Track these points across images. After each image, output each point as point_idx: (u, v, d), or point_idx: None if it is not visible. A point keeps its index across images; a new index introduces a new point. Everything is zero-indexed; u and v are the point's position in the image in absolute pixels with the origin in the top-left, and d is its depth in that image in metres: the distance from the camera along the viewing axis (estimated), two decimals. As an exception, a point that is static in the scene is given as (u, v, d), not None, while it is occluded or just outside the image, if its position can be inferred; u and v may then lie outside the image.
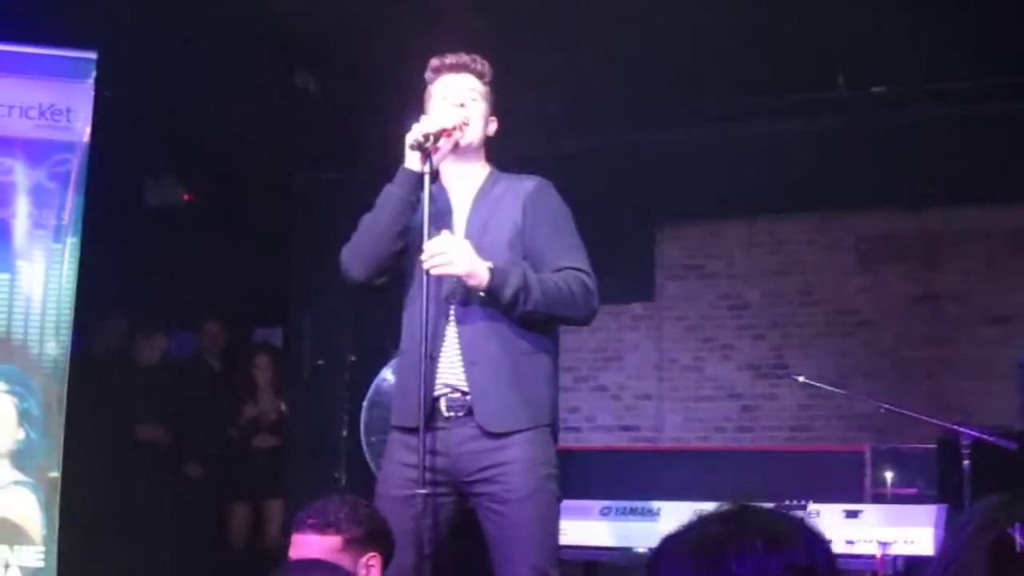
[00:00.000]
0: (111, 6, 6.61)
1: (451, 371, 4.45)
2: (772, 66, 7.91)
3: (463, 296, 4.44)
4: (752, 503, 2.13)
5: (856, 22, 7.21)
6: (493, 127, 4.70)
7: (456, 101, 4.58)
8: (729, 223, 10.61)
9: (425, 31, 6.09)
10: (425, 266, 4.31)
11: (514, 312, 4.39)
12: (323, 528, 4.00)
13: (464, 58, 4.67)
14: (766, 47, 7.61)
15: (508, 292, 4.34)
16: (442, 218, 4.56)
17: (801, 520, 2.09)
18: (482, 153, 4.70)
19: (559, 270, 4.48)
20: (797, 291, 10.42)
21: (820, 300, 10.35)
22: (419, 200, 4.41)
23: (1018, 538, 2.15)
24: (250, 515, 9.52)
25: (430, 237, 4.38)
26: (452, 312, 4.47)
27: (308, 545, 3.98)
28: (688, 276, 10.74)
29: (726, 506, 2.12)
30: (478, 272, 4.32)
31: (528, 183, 4.64)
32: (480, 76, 4.66)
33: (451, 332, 4.48)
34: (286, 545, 4.15)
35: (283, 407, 9.54)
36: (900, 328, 10.05)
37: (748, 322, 10.55)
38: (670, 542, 2.11)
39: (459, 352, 4.45)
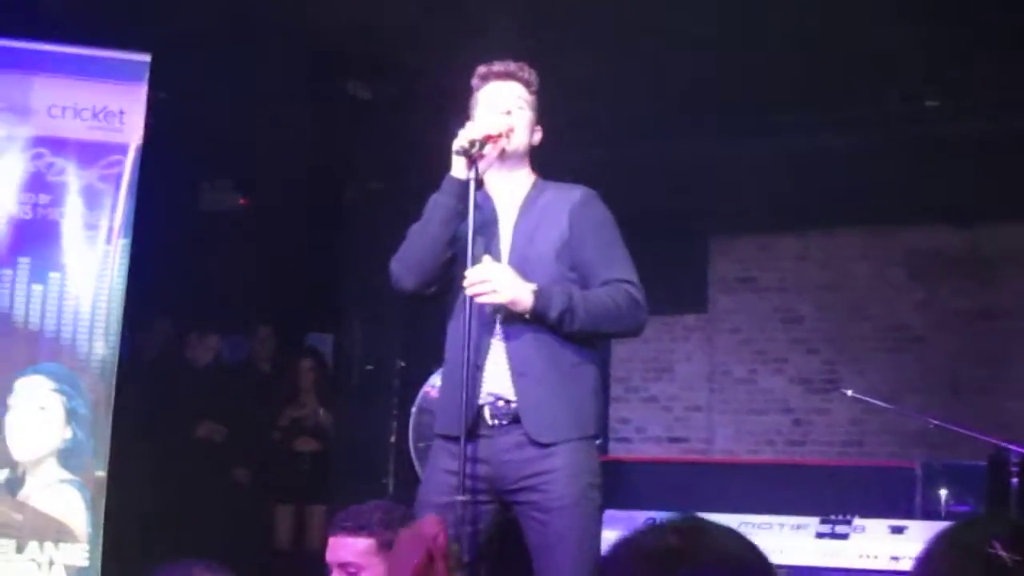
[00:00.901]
0: (166, 9, 6.66)
1: (497, 381, 4.43)
2: (826, 79, 7.87)
3: (510, 310, 4.44)
4: (705, 517, 2.15)
5: (909, 34, 7.16)
6: (538, 136, 4.67)
7: (503, 108, 4.56)
8: (781, 236, 10.58)
9: (473, 41, 6.08)
10: (468, 293, 4.31)
11: (560, 331, 4.38)
12: (356, 530, 4.00)
13: (512, 66, 4.65)
14: (820, 60, 7.58)
15: (553, 314, 4.33)
16: (488, 227, 4.55)
17: (751, 542, 2.11)
18: (527, 162, 4.68)
19: (606, 283, 4.46)
20: (849, 305, 10.37)
21: (872, 315, 10.30)
22: (466, 208, 4.40)
23: (1003, 553, 2.16)
24: (293, 518, 9.56)
25: (475, 246, 4.39)
26: (498, 323, 4.46)
27: (342, 547, 3.99)
28: (741, 289, 10.72)
29: (680, 517, 2.13)
30: (522, 298, 4.31)
31: (575, 192, 4.62)
32: (527, 84, 4.64)
33: (497, 342, 4.47)
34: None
35: (322, 412, 9.55)
36: (952, 344, 9.98)
37: (801, 336, 10.51)
38: (623, 548, 2.11)
39: (506, 363, 4.44)
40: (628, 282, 4.48)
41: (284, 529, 9.57)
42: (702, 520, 2.13)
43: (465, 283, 4.31)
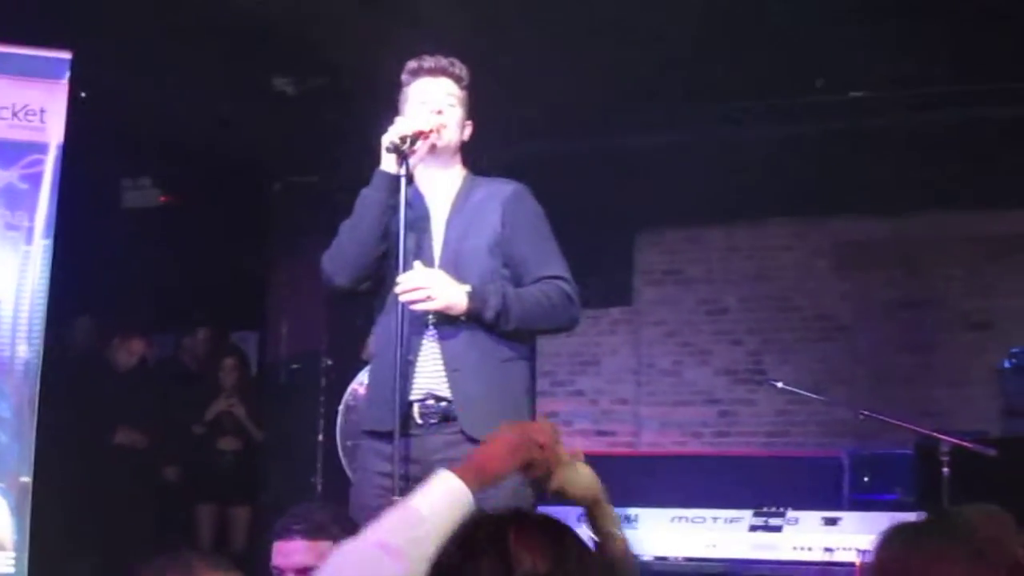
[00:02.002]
0: (87, 6, 6.56)
1: (430, 378, 4.41)
2: (750, 71, 7.89)
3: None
4: None
5: (835, 25, 7.18)
6: (469, 131, 4.66)
7: (433, 107, 4.53)
8: (707, 228, 10.59)
9: (404, 33, 6.07)
10: (401, 299, 4.29)
11: (496, 330, 4.38)
12: (313, 534, 3.94)
13: (443, 62, 4.61)
14: (743, 52, 7.60)
15: (489, 315, 4.33)
16: (420, 223, 4.52)
17: None
18: (458, 157, 4.66)
19: (540, 279, 4.47)
20: (775, 296, 10.39)
21: (798, 306, 10.33)
22: (397, 203, 4.36)
23: None
24: (216, 518, 9.49)
25: (407, 242, 4.35)
26: (431, 319, 4.43)
27: (296, 552, 3.92)
28: (666, 281, 10.72)
29: None
30: (456, 302, 4.31)
31: (507, 188, 4.61)
32: (458, 80, 4.61)
33: (430, 339, 4.44)
34: (254, 551, 4.11)
35: (244, 410, 9.48)
36: (878, 334, 10.03)
37: (726, 327, 10.52)
38: None
39: (440, 359, 4.41)
40: (561, 278, 4.49)
41: (206, 529, 9.50)
42: None
43: (397, 289, 4.29)
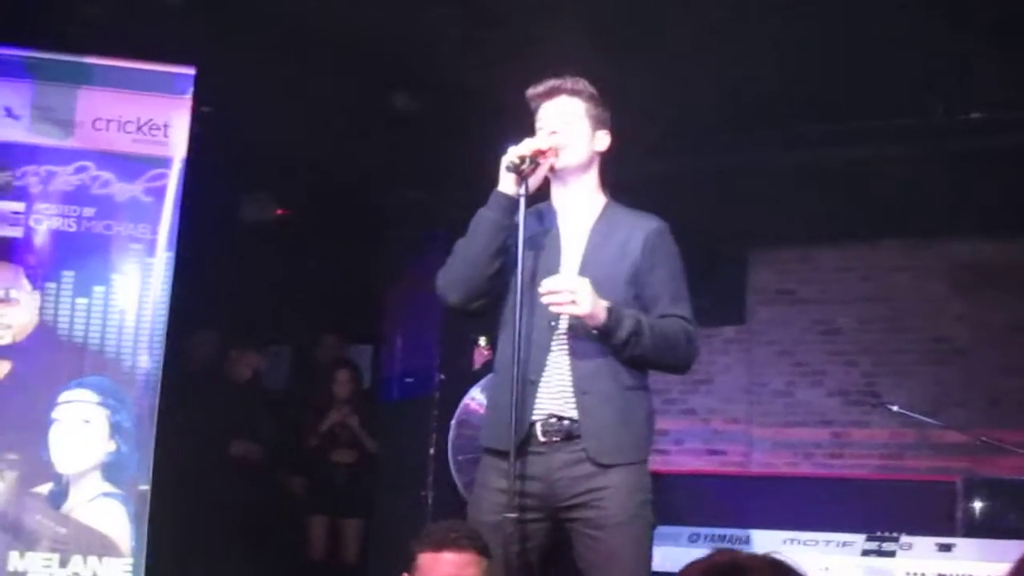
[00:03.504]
0: (210, 22, 6.66)
1: (555, 398, 4.43)
2: (866, 90, 7.83)
3: (573, 326, 4.43)
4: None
5: (950, 46, 7.12)
6: (604, 142, 4.66)
7: (549, 129, 4.57)
8: (821, 248, 10.53)
9: (521, 53, 6.09)
10: (544, 301, 4.32)
11: (621, 353, 4.40)
12: (481, 549, 4.05)
13: (553, 82, 4.64)
14: (860, 71, 7.55)
15: (622, 334, 4.36)
16: (549, 242, 4.57)
17: None
18: (593, 175, 4.67)
19: (666, 316, 4.50)
20: (888, 317, 10.31)
21: (912, 327, 10.23)
22: (513, 224, 4.39)
23: None
24: (328, 529, 9.57)
25: (536, 259, 4.42)
26: (563, 340, 4.46)
27: (471, 564, 4.01)
28: (780, 301, 10.67)
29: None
30: (597, 313, 4.33)
31: (652, 223, 4.63)
32: (575, 94, 4.63)
33: (559, 359, 4.46)
34: (366, 564, 4.17)
35: (357, 422, 9.55)
36: (994, 357, 9.91)
37: (840, 348, 10.46)
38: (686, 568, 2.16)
39: (569, 381, 4.43)
40: (688, 320, 4.54)
41: (318, 540, 9.58)
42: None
43: (541, 290, 4.32)
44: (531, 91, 4.66)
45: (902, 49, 7.18)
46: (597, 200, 4.67)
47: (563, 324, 4.45)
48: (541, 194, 4.65)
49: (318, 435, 9.57)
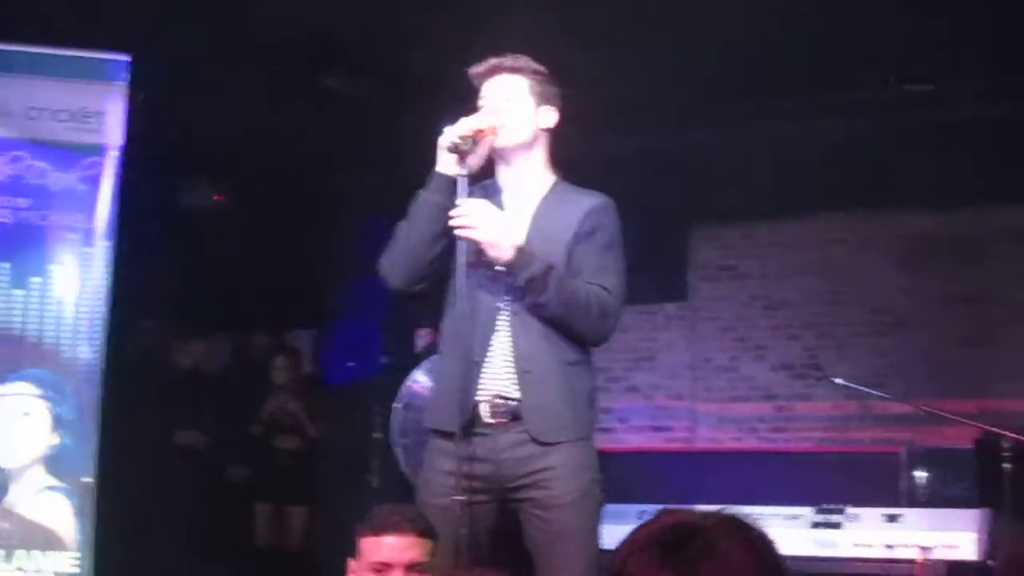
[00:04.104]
0: (144, 8, 6.59)
1: (499, 378, 4.39)
2: (804, 65, 7.85)
3: (516, 304, 4.39)
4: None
5: (896, 18, 7.14)
6: (549, 119, 4.59)
7: (490, 107, 4.53)
8: (761, 224, 10.55)
9: (463, 32, 6.05)
10: (451, 223, 4.28)
11: (526, 299, 4.34)
12: (423, 532, 4.02)
13: (493, 60, 4.58)
14: (800, 46, 7.56)
15: (525, 274, 4.29)
16: None
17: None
18: (539, 154, 4.62)
19: (589, 284, 4.43)
20: (829, 291, 10.35)
21: (853, 300, 10.28)
22: (453, 204, 4.35)
23: None
24: (272, 517, 9.54)
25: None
26: (507, 320, 4.41)
27: (412, 547, 3.97)
28: (721, 276, 10.69)
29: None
30: (503, 245, 4.29)
31: (596, 199, 4.55)
32: (517, 71, 4.57)
33: (502, 340, 4.42)
34: (311, 549, 4.15)
35: (299, 408, 9.53)
36: (936, 328, 9.96)
37: (782, 322, 10.49)
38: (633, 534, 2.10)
39: (511, 360, 4.40)
40: (608, 290, 4.43)
41: (263, 528, 9.55)
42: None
43: (452, 212, 4.28)
44: (472, 70, 4.60)
45: (847, 22, 7.19)
46: (546, 179, 4.61)
47: (508, 305, 4.40)
48: (486, 173, 4.61)
49: (260, 422, 9.53)
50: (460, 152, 4.34)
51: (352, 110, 7.99)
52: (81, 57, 6.22)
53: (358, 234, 8.56)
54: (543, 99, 4.58)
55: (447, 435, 4.36)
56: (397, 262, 4.51)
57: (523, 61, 4.59)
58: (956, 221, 9.85)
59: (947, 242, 9.94)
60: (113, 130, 6.20)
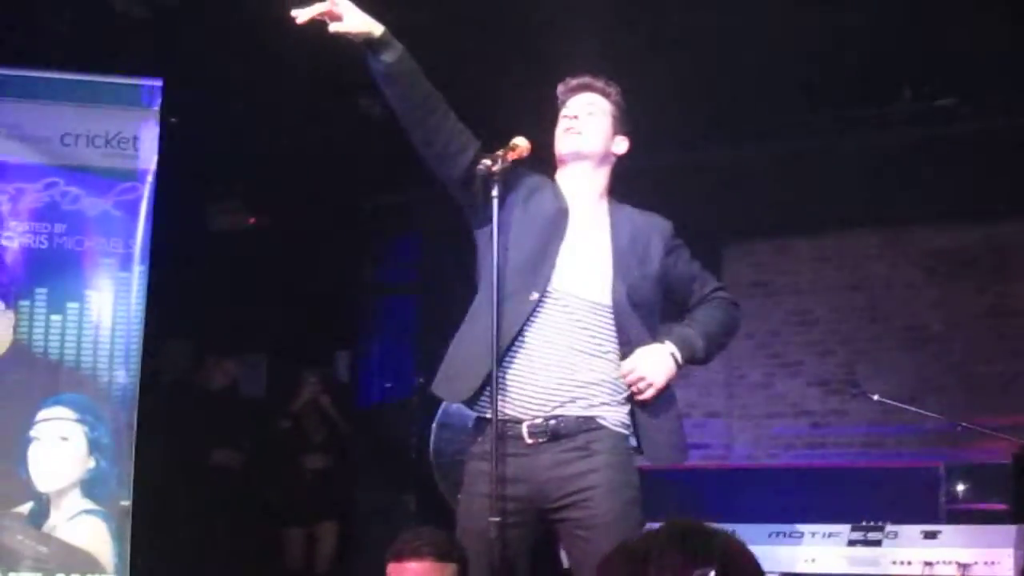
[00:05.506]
0: (176, 34, 6.62)
1: (550, 398, 4.37)
2: (836, 81, 7.85)
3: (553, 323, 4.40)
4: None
5: (920, 34, 7.14)
6: (622, 146, 4.65)
7: (570, 114, 4.58)
8: (794, 240, 10.53)
9: (498, 58, 6.07)
10: (630, 390, 4.41)
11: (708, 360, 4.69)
12: (443, 556, 4.05)
13: (585, 79, 4.67)
14: (830, 62, 7.56)
15: (700, 355, 4.55)
16: (558, 220, 4.51)
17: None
18: (604, 176, 4.65)
19: (704, 296, 4.68)
20: (865, 306, 10.31)
21: (888, 315, 10.24)
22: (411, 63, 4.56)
23: None
24: (304, 541, 9.49)
25: (526, 222, 4.44)
26: (537, 314, 4.40)
27: (429, 572, 4.02)
28: (756, 293, 10.66)
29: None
30: (671, 371, 4.43)
31: (665, 223, 4.68)
32: (604, 94, 4.65)
33: (534, 336, 4.40)
34: (345, 569, 4.16)
35: (329, 403, 9.49)
36: (970, 342, 9.91)
37: (817, 338, 10.45)
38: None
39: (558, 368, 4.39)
40: (723, 289, 4.76)
41: (295, 551, 9.50)
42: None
43: (627, 380, 4.39)
44: (562, 87, 4.68)
45: (873, 38, 7.18)
46: (604, 200, 4.65)
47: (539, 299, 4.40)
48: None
49: (290, 416, 9.46)
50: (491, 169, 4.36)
51: (384, 131, 8.00)
52: (114, 83, 6.26)
53: (392, 254, 8.59)
54: (620, 127, 4.65)
55: (483, 457, 4.34)
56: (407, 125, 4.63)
57: (612, 87, 4.68)
58: (990, 235, 9.80)
59: (981, 256, 9.90)
60: (147, 155, 6.23)
